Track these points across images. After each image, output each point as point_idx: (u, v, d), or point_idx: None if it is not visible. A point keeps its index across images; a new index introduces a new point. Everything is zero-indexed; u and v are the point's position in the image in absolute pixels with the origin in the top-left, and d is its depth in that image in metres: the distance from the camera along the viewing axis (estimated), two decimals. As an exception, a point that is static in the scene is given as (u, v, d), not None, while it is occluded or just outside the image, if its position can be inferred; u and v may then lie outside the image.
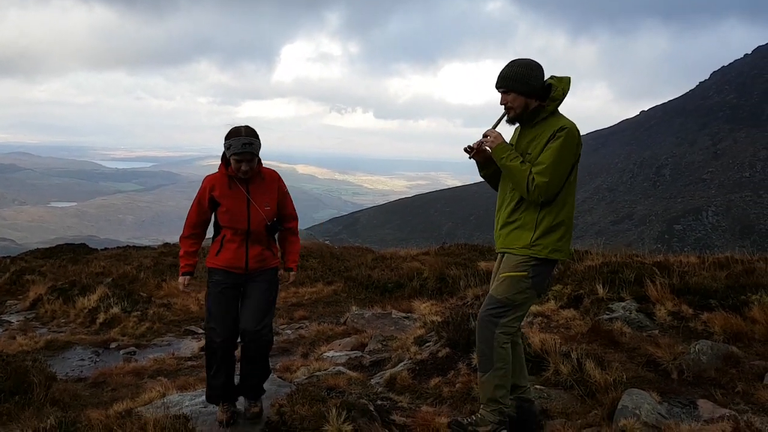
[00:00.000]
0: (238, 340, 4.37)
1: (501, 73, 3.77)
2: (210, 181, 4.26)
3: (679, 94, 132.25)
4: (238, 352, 4.45)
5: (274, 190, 4.35)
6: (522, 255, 3.75)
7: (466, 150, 3.99)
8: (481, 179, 4.21)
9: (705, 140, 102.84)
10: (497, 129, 3.89)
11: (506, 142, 3.82)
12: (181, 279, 4.42)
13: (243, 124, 4.16)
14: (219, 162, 4.30)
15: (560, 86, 3.74)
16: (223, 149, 4.17)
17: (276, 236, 4.48)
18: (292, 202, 4.56)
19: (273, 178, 4.37)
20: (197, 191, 4.32)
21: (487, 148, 3.88)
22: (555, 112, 3.79)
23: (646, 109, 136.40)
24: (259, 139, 4.14)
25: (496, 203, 4.04)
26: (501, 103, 3.82)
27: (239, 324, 4.30)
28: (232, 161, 4.10)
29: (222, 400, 4.43)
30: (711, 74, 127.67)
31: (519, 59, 3.78)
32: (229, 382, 4.43)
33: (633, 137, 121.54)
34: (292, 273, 4.56)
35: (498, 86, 3.79)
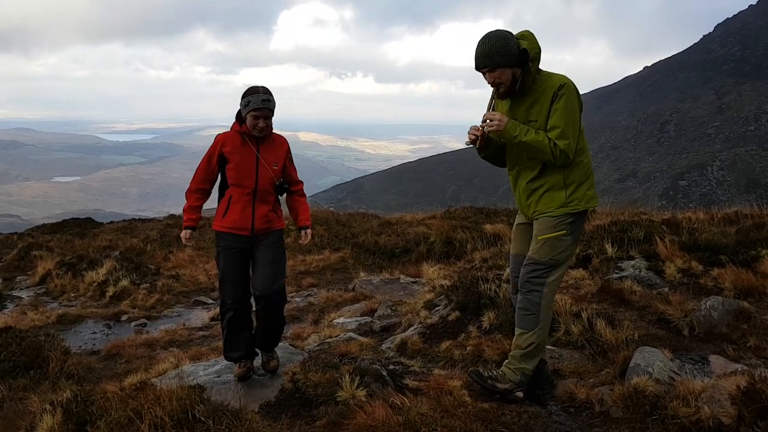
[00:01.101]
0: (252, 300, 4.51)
1: (478, 53, 3.67)
2: (222, 138, 4.39)
3: (683, 48, 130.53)
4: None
5: (283, 153, 4.47)
6: (559, 215, 3.76)
7: (471, 142, 3.90)
8: None
9: (709, 94, 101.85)
10: (492, 109, 3.84)
11: (513, 120, 3.73)
12: (183, 233, 4.58)
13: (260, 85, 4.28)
14: (220, 132, 4.44)
15: (531, 44, 3.65)
16: (235, 113, 4.34)
17: (283, 199, 4.60)
18: (295, 169, 4.67)
19: (282, 141, 4.52)
20: (207, 150, 4.44)
21: (495, 132, 3.78)
22: (540, 72, 3.72)
23: (649, 64, 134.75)
24: (274, 99, 4.27)
25: (509, 180, 4.01)
26: (489, 82, 3.74)
27: (252, 288, 4.43)
28: (249, 117, 4.22)
29: (239, 359, 4.55)
30: (715, 27, 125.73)
31: (489, 34, 3.67)
32: (246, 344, 4.54)
33: (636, 94, 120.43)
34: (308, 231, 4.68)
35: (481, 66, 3.69)
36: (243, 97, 4.26)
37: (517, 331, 3.94)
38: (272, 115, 4.27)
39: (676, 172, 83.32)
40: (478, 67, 3.71)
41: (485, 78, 3.74)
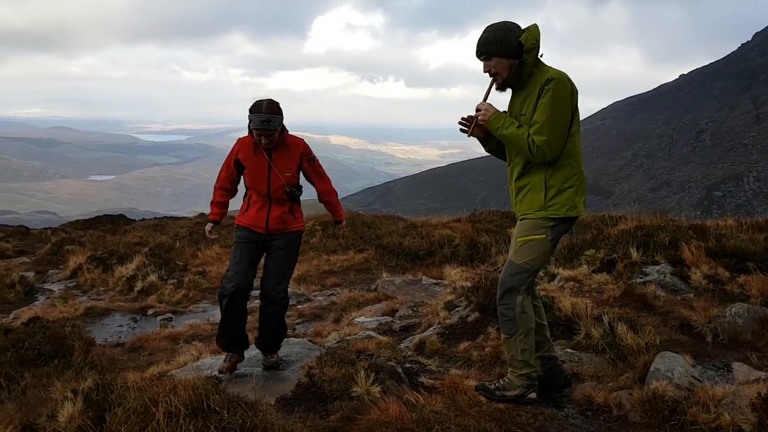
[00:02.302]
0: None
1: (479, 40, 3.67)
2: (239, 144, 4.53)
3: (718, 58, 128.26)
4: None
5: (296, 157, 4.51)
6: (539, 218, 3.68)
7: (462, 130, 3.88)
8: None
9: (747, 104, 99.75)
10: (489, 100, 3.79)
11: (499, 111, 3.71)
12: (207, 226, 4.80)
13: (267, 98, 4.29)
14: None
15: (530, 36, 3.60)
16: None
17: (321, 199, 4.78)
18: (321, 167, 4.71)
19: (297, 145, 4.53)
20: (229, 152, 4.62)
21: (482, 122, 3.77)
22: (539, 65, 3.67)
23: (685, 72, 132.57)
24: (280, 115, 4.28)
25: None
26: (485, 71, 3.71)
27: (261, 285, 4.56)
28: (254, 132, 4.32)
29: (229, 347, 4.65)
30: (754, 35, 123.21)
31: (494, 23, 3.67)
32: (237, 333, 4.62)
33: (672, 102, 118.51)
34: (342, 225, 4.94)
35: (478, 54, 3.69)
36: (249, 111, 4.29)
37: (503, 337, 3.93)
38: (275, 131, 4.29)
39: (711, 182, 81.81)
40: (476, 54, 3.71)
41: (483, 66, 3.71)
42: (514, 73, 3.66)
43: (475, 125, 3.82)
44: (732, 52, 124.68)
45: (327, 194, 4.75)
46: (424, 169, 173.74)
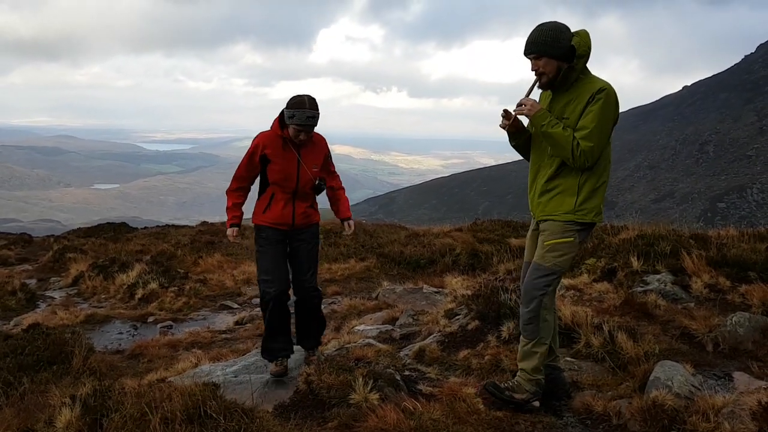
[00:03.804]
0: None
1: (529, 38, 3.66)
2: (263, 139, 4.46)
3: (721, 70, 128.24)
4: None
5: (322, 153, 4.62)
6: (566, 221, 3.71)
7: (503, 123, 3.89)
8: (520, 157, 4.13)
9: (750, 115, 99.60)
10: (530, 96, 3.82)
11: (545, 109, 3.72)
12: (229, 231, 4.70)
13: (306, 94, 4.32)
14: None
15: (583, 42, 3.63)
16: (281, 112, 4.39)
17: (322, 194, 4.76)
18: (333, 165, 4.85)
19: (321, 141, 4.64)
20: (248, 149, 4.54)
21: (523, 117, 3.80)
22: (586, 72, 3.69)
23: (689, 84, 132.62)
24: (319, 111, 4.33)
25: (529, 174, 3.97)
26: (532, 69, 3.72)
27: (293, 283, 4.63)
28: (291, 128, 4.31)
29: (279, 355, 4.65)
30: (758, 47, 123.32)
31: (546, 23, 3.67)
32: (285, 338, 4.66)
33: (675, 113, 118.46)
34: (351, 222, 4.91)
35: (528, 52, 3.69)
36: (289, 107, 4.28)
37: (522, 341, 3.93)
38: (314, 127, 4.37)
39: (714, 193, 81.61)
40: (525, 52, 3.71)
41: (531, 64, 3.72)
42: (562, 76, 3.67)
43: (514, 119, 3.85)
44: (735, 64, 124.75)
45: (339, 190, 4.86)
46: (427, 179, 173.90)
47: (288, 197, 4.49)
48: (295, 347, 4.85)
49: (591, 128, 3.54)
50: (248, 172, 4.55)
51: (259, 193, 4.63)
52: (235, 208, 4.67)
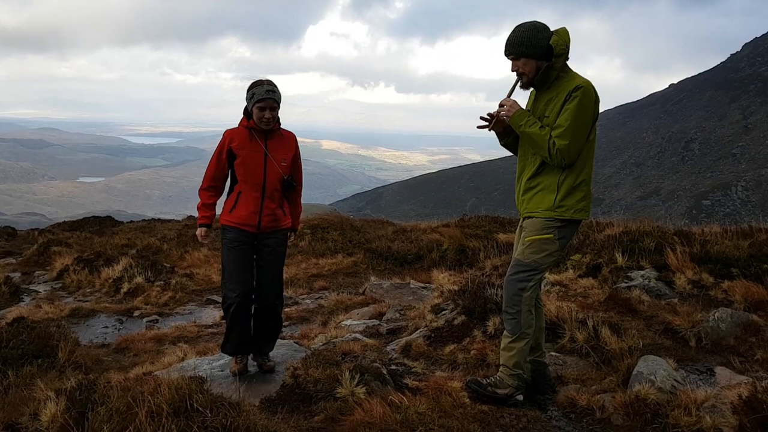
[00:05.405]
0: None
1: (508, 39, 3.71)
2: (230, 134, 4.40)
3: (710, 67, 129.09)
4: None
5: (291, 149, 4.50)
6: (546, 218, 3.74)
7: (484, 123, 3.92)
8: (507, 153, 4.18)
9: (735, 114, 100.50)
10: (512, 97, 3.84)
11: (523, 109, 3.77)
12: (198, 231, 4.59)
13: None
14: None
15: (561, 40, 3.66)
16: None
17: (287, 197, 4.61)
18: (301, 168, 4.69)
19: (291, 137, 4.54)
20: (216, 147, 4.46)
21: (505, 118, 3.83)
22: (567, 70, 3.73)
23: (675, 82, 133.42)
24: (280, 92, 4.28)
25: (516, 171, 4.01)
26: (512, 70, 3.76)
27: (256, 289, 4.50)
28: (255, 111, 4.24)
29: (237, 353, 4.63)
30: (743, 45, 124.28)
31: (524, 23, 3.71)
32: (244, 337, 4.60)
33: (662, 111, 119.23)
34: (294, 233, 4.75)
35: (507, 53, 3.73)
36: (248, 90, 4.29)
37: (505, 335, 3.96)
38: (278, 106, 4.30)
39: (699, 191, 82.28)
40: (505, 53, 3.75)
41: (511, 65, 3.75)
42: (541, 75, 3.70)
43: (497, 120, 3.87)
44: (721, 63, 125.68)
45: (297, 197, 4.71)
46: (414, 175, 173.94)
47: (256, 195, 4.35)
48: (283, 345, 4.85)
49: (566, 126, 3.57)
50: (218, 170, 4.44)
51: (228, 192, 4.52)
52: (205, 208, 4.54)
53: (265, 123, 4.28)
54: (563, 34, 3.67)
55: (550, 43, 3.64)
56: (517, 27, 3.70)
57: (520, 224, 4.04)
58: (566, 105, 3.60)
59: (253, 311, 4.60)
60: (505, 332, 3.95)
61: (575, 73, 3.73)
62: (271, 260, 4.50)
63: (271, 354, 4.86)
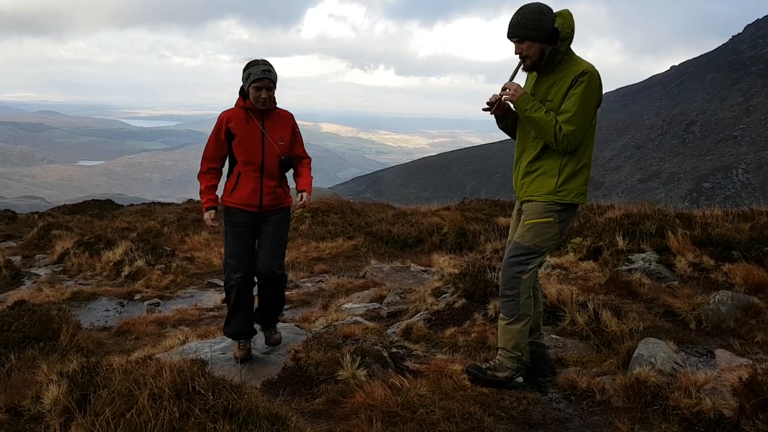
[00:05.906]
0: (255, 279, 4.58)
1: (512, 21, 3.65)
2: (227, 114, 4.40)
3: (712, 48, 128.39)
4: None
5: (288, 128, 4.49)
6: (547, 201, 3.73)
7: (486, 107, 3.90)
8: (506, 137, 4.15)
9: (737, 96, 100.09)
10: (515, 80, 3.81)
11: (527, 93, 3.72)
12: (206, 215, 4.54)
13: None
14: None
15: (566, 23, 3.61)
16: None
17: (288, 174, 4.61)
18: (303, 143, 4.67)
19: (287, 116, 4.53)
20: (213, 128, 4.45)
21: (508, 102, 3.80)
22: (571, 54, 3.69)
23: (676, 64, 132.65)
24: (276, 72, 4.28)
25: (514, 154, 3.98)
26: (516, 53, 3.72)
27: (258, 263, 4.49)
28: (251, 90, 4.24)
29: (240, 337, 4.63)
30: (745, 27, 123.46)
31: (528, 5, 3.64)
32: (248, 321, 4.62)
33: (663, 93, 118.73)
34: (304, 194, 4.50)
35: (511, 36, 3.68)
36: (244, 70, 4.29)
37: (502, 318, 3.95)
38: (274, 86, 4.29)
39: (700, 173, 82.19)
40: (508, 36, 3.70)
41: (514, 48, 3.71)
42: (547, 59, 3.66)
43: (499, 104, 3.84)
44: (723, 44, 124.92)
45: (303, 163, 4.65)
46: (414, 158, 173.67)
47: (255, 175, 4.35)
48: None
49: (573, 111, 3.54)
50: (216, 151, 4.43)
51: (228, 173, 4.52)
52: (208, 191, 4.51)
53: (261, 103, 4.27)
54: (567, 17, 3.62)
55: (556, 26, 3.58)
56: (520, 9, 3.64)
57: (517, 207, 4.03)
58: (572, 90, 3.57)
59: (256, 288, 4.63)
60: (501, 314, 3.95)
61: (579, 57, 3.69)
62: (272, 233, 4.48)
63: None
